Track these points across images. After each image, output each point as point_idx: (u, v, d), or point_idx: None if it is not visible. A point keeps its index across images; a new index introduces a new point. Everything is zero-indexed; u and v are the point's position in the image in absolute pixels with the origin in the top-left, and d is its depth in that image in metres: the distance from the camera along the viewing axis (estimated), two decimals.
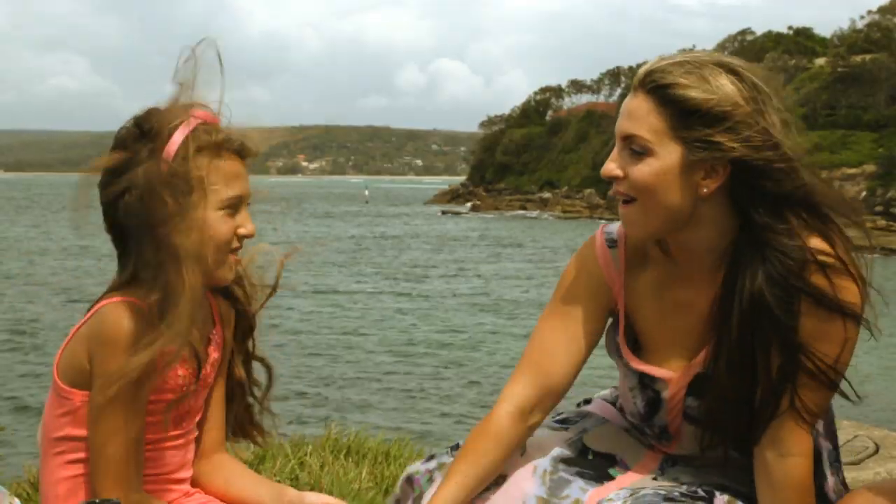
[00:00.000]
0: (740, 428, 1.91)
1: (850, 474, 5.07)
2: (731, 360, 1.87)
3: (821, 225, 1.86)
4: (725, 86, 1.81)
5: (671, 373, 1.98)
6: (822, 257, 1.83)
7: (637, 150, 1.85)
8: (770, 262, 1.82)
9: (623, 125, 1.87)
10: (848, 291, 1.85)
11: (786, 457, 1.86)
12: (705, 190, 1.84)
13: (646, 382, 2.02)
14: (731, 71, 1.84)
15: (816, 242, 1.84)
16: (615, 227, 2.06)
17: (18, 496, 2.15)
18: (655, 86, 1.84)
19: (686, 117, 1.82)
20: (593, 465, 2.04)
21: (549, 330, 2.05)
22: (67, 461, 1.95)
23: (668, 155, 1.83)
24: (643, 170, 1.84)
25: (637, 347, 2.05)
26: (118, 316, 1.88)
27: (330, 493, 4.34)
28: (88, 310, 1.97)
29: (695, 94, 1.80)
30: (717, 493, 1.93)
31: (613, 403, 2.20)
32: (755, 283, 1.83)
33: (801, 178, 1.83)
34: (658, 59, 1.88)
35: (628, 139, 1.86)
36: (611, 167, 1.88)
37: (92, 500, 1.60)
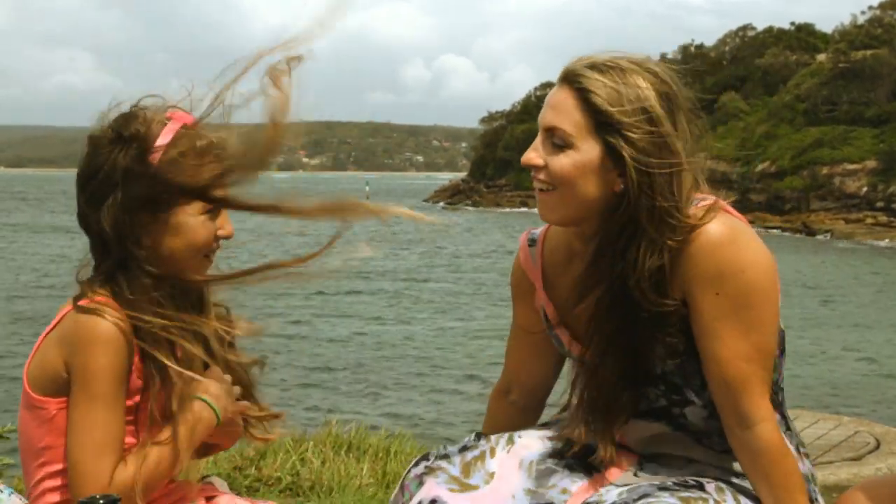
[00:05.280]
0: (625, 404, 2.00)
1: (851, 469, 5.09)
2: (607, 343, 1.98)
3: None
4: (643, 90, 1.90)
5: None
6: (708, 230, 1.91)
7: (559, 142, 1.94)
8: (653, 238, 1.90)
9: (547, 117, 1.96)
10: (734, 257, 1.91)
11: (751, 427, 1.92)
12: (618, 187, 1.92)
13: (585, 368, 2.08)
14: (650, 72, 1.93)
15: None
16: (540, 229, 2.19)
17: (20, 492, 2.14)
18: (579, 86, 1.92)
19: (603, 121, 1.90)
20: (577, 454, 2.09)
21: (510, 331, 2.29)
22: (52, 472, 1.93)
23: (588, 150, 1.92)
24: (563, 161, 1.93)
25: (575, 334, 2.13)
26: (95, 317, 1.86)
27: (331, 489, 4.34)
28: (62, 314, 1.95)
29: (612, 104, 1.89)
30: (705, 482, 1.97)
31: None
32: (636, 254, 1.91)
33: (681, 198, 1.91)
34: (583, 59, 1.96)
35: (551, 131, 1.95)
36: (531, 156, 1.97)
37: (93, 496, 1.59)
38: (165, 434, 1.93)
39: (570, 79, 1.94)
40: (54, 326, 1.93)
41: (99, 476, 1.85)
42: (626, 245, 1.91)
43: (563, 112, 1.93)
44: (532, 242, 2.20)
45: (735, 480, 2.02)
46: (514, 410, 2.29)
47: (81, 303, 1.89)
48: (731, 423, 1.94)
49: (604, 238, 1.95)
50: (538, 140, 1.97)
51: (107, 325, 1.86)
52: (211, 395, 2.01)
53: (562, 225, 2.04)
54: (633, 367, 1.99)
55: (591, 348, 2.01)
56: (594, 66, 1.93)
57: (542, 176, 1.96)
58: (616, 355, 1.98)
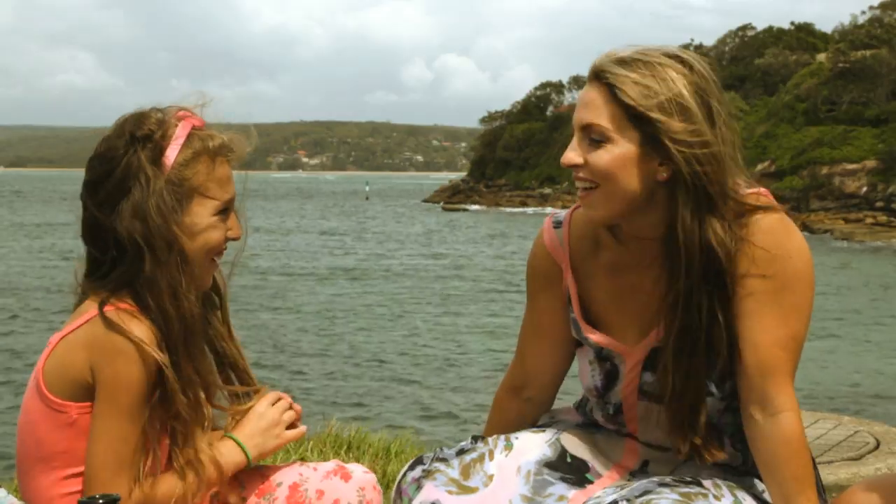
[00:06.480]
0: (689, 401, 1.97)
1: (850, 469, 5.09)
2: (679, 333, 1.95)
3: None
4: (672, 82, 1.90)
5: (626, 346, 2.07)
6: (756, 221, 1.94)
7: (596, 138, 1.93)
8: (707, 237, 1.91)
9: (581, 115, 1.96)
10: (787, 253, 1.94)
11: (775, 415, 1.92)
12: (663, 175, 1.92)
13: (603, 355, 2.11)
14: (682, 62, 1.93)
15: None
16: (564, 212, 2.19)
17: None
18: (607, 81, 1.92)
19: (635, 114, 1.91)
20: (572, 468, 2.10)
21: (525, 323, 2.24)
22: (67, 475, 1.90)
23: (626, 142, 1.92)
24: (602, 156, 1.93)
25: (594, 322, 2.13)
26: (128, 328, 1.84)
27: None
28: (73, 316, 1.92)
29: (641, 98, 1.89)
30: (701, 479, 1.98)
31: (580, 408, 2.26)
32: (707, 232, 1.91)
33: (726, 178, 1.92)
34: (611, 54, 1.96)
35: (587, 128, 1.95)
36: (570, 156, 1.97)
37: (92, 496, 1.59)
38: (191, 473, 1.91)
39: (599, 75, 1.95)
40: (74, 329, 1.89)
41: (116, 492, 1.82)
42: (700, 225, 1.91)
43: (595, 108, 1.93)
44: (557, 224, 2.18)
45: (729, 478, 2.02)
46: (528, 408, 2.27)
47: (107, 309, 1.86)
48: (755, 410, 1.93)
49: (674, 223, 1.93)
50: (575, 140, 1.97)
51: (139, 336, 1.83)
52: (244, 434, 2.02)
53: (609, 222, 2.02)
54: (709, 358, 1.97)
55: (666, 339, 1.97)
56: (621, 62, 1.93)
57: (582, 174, 1.96)
58: (699, 347, 1.96)
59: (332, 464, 2.12)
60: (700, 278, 1.92)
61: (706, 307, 1.93)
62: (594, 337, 2.11)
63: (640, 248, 2.02)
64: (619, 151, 1.92)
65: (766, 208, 1.96)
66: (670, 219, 1.94)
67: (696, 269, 1.92)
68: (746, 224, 1.94)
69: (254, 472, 2.08)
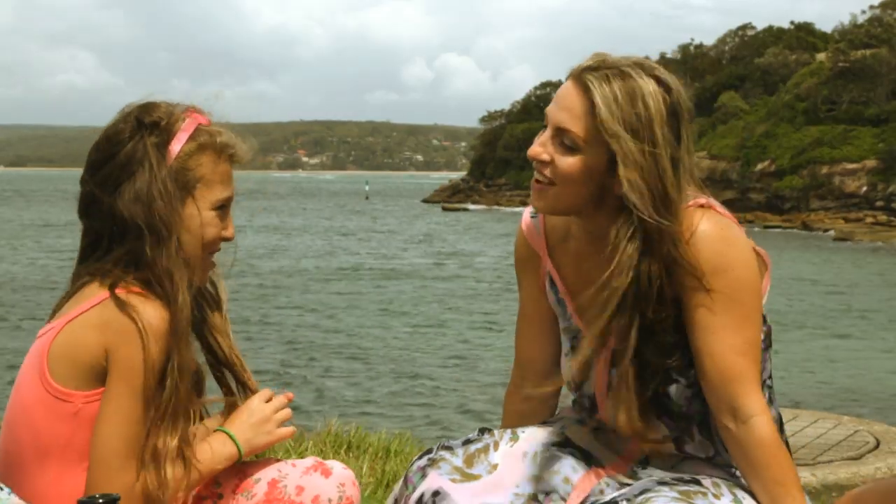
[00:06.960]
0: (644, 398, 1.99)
1: (850, 469, 5.10)
2: (639, 335, 1.96)
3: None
4: (651, 106, 1.91)
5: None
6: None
7: (568, 144, 1.95)
8: (654, 248, 1.92)
9: (559, 117, 1.97)
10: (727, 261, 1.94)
11: (745, 421, 1.94)
12: (619, 189, 1.93)
13: (575, 346, 2.14)
14: (661, 83, 1.94)
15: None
16: None
17: None
18: (590, 95, 1.93)
19: (610, 133, 1.91)
20: (577, 454, 2.12)
21: (519, 319, 2.30)
22: (64, 472, 1.86)
23: (596, 156, 1.94)
24: (570, 162, 1.96)
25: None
26: (144, 306, 1.84)
27: None
28: (69, 299, 1.92)
29: (618, 119, 1.90)
30: (701, 478, 1.99)
31: (574, 405, 2.28)
32: (642, 266, 1.93)
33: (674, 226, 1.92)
34: (599, 63, 1.96)
35: (561, 131, 1.96)
36: (538, 151, 1.99)
37: (92, 495, 1.59)
38: (181, 464, 1.90)
39: (583, 83, 1.95)
40: (83, 312, 1.86)
41: (125, 477, 1.83)
42: (637, 255, 1.93)
43: (574, 116, 1.95)
44: (535, 215, 2.23)
45: (727, 476, 2.03)
46: (528, 406, 2.30)
47: (119, 291, 1.85)
48: (726, 418, 1.95)
49: (613, 244, 1.95)
50: (546, 135, 1.99)
51: (157, 317, 1.84)
52: (234, 428, 2.02)
53: (551, 214, 2.10)
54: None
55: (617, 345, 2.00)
56: (606, 76, 1.93)
57: (547, 171, 1.98)
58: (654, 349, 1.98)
59: (310, 460, 2.12)
60: (636, 296, 1.94)
61: (649, 318, 1.95)
62: (576, 320, 2.13)
63: (598, 240, 2.03)
64: (587, 162, 1.95)
65: (702, 221, 1.95)
66: (611, 234, 1.95)
67: (629, 289, 1.93)
68: (687, 239, 1.94)
69: (230, 468, 2.06)
